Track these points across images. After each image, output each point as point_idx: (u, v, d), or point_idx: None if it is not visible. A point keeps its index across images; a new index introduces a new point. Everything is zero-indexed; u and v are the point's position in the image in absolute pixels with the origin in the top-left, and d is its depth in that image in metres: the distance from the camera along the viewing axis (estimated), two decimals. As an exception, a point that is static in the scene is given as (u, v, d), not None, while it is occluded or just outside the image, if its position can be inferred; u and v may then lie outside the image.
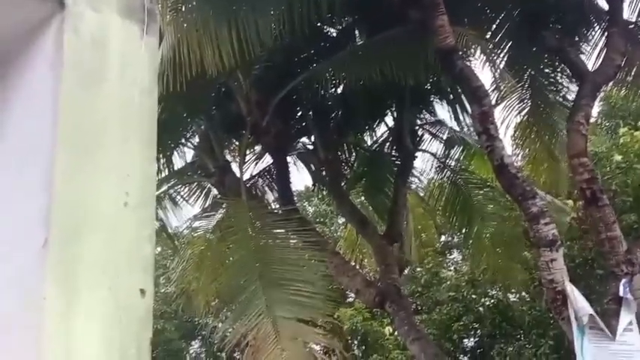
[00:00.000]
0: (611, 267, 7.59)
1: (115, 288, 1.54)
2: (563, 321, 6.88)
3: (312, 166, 10.39)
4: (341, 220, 17.81)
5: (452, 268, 17.80)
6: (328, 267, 8.54)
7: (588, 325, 6.65)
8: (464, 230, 12.47)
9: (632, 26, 8.69)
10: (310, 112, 9.60)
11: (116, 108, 1.73)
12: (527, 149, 10.54)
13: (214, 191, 10.17)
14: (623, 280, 7.26)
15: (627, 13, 8.60)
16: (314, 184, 10.93)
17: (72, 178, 1.57)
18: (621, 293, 7.19)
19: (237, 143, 9.61)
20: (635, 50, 8.83)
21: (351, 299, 16.76)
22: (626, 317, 6.88)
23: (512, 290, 15.94)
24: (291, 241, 8.53)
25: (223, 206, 9.56)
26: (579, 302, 6.79)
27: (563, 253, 11.85)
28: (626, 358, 6.73)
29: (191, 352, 21.50)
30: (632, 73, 9.30)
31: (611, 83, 9.62)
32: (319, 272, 8.22)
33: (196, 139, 9.45)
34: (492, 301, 16.37)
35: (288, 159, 10.09)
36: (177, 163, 9.62)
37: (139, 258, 1.62)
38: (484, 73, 9.08)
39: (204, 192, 10.36)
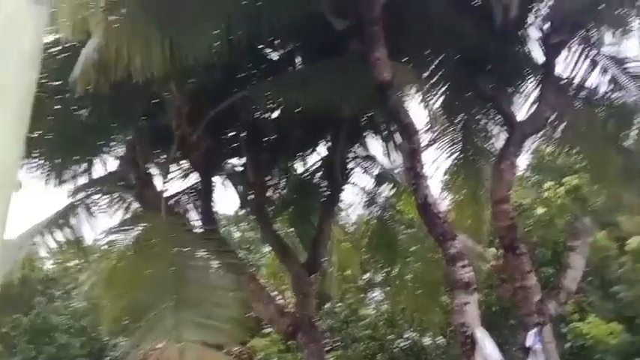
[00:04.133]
0: (523, 316, 7.66)
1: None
2: (472, 366, 6.85)
3: (240, 189, 10.19)
4: (266, 249, 17.58)
5: (372, 306, 17.75)
6: (244, 292, 8.30)
7: (495, 372, 6.64)
8: (387, 269, 12.48)
9: (564, 82, 8.94)
10: (243, 133, 9.43)
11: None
12: (455, 192, 10.66)
13: (136, 204, 9.83)
14: (533, 330, 7.34)
15: (560, 69, 8.87)
16: (240, 207, 10.69)
17: None
18: (529, 343, 7.26)
19: (163, 157, 9.33)
20: (565, 106, 9.10)
21: (268, 329, 16.46)
22: (533, 367, 6.92)
23: (429, 333, 16.01)
24: (209, 262, 8.28)
25: (142, 221, 9.21)
26: (488, 348, 6.79)
27: (480, 300, 11.97)
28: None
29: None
30: (560, 129, 9.57)
31: (540, 137, 9.87)
32: (234, 297, 7.97)
33: (121, 148, 9.12)
34: (408, 342, 16.39)
35: (217, 179, 9.88)
36: (99, 170, 9.25)
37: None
38: (419, 112, 9.17)
39: (124, 204, 9.98)
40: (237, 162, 9.99)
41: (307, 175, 10.68)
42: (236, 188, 10.09)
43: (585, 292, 15.32)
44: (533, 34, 8.74)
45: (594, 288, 15.63)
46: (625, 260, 16.12)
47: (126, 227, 9.58)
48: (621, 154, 9.35)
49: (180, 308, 7.10)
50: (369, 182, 11.18)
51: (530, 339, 7.38)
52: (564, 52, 8.63)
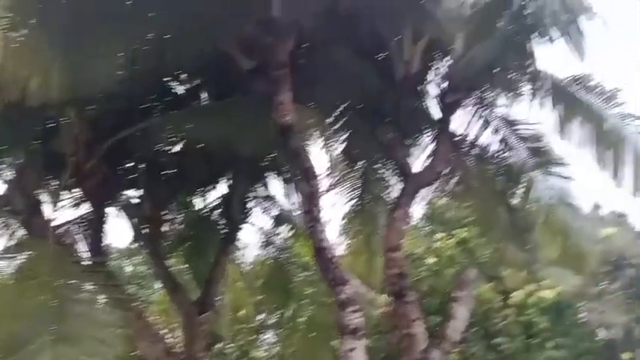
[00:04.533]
0: (407, 364, 7.81)
1: None
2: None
3: (134, 221, 9.92)
4: (158, 285, 17.10)
5: (264, 348, 17.57)
6: (130, 330, 8.01)
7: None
8: (280, 311, 12.44)
9: (458, 139, 9.36)
10: (142, 165, 9.24)
11: None
12: (350, 238, 10.84)
13: (22, 231, 9.36)
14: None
15: (455, 126, 9.29)
16: (133, 240, 10.39)
17: None
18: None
19: (55, 183, 8.97)
20: (458, 161, 9.51)
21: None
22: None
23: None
24: (95, 296, 7.95)
25: (27, 249, 8.76)
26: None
27: (369, 346, 12.07)
28: None
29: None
30: (453, 183, 9.98)
31: (434, 190, 10.25)
32: (119, 334, 7.66)
33: (10, 172, 8.70)
34: (297, 385, 16.27)
35: (111, 210, 9.59)
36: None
37: None
38: (320, 156, 9.33)
39: (8, 230, 9.48)
40: (133, 194, 9.76)
41: (206, 212, 10.57)
42: (130, 221, 9.83)
43: (469, 342, 15.86)
44: (432, 90, 9.16)
45: (478, 338, 16.21)
46: (508, 313, 16.86)
47: (9, 255, 9.09)
48: (508, 211, 9.81)
49: (59, 343, 6.75)
50: (267, 222, 11.22)
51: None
52: (459, 111, 9.06)
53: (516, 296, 17.22)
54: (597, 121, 8.40)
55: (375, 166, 9.90)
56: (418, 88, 9.05)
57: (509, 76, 8.53)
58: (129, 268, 19.02)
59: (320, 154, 8.92)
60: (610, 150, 8.27)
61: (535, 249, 10.14)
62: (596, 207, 22.16)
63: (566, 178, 9.36)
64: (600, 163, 8.35)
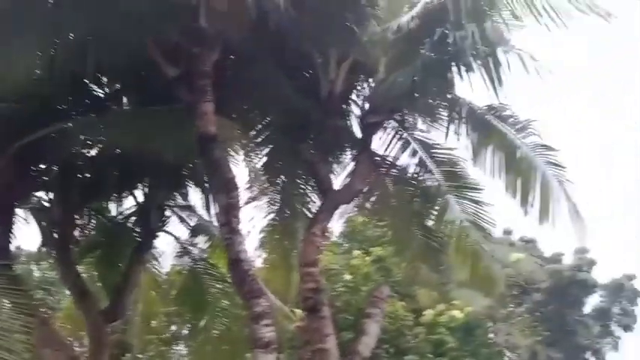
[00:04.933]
0: (318, 379, 7.84)
1: None
2: None
3: (44, 225, 9.59)
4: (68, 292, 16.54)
5: (175, 359, 17.26)
6: (33, 337, 7.70)
7: None
8: (193, 322, 12.24)
9: (378, 159, 9.54)
10: (55, 167, 8.96)
11: None
12: (268, 252, 10.82)
13: None
14: (326, 393, 7.53)
15: (376, 146, 9.47)
16: (43, 244, 10.03)
17: None
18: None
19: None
20: (377, 181, 9.69)
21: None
22: None
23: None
24: (-3, 301, 7.61)
25: None
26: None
27: (283, 360, 11.98)
28: None
29: None
30: (372, 201, 10.16)
31: (353, 208, 10.39)
32: (20, 341, 7.36)
33: None
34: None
35: (20, 212, 9.24)
36: None
37: None
38: (240, 169, 9.32)
39: None
40: (44, 196, 9.44)
41: (120, 219, 10.33)
42: (39, 224, 9.50)
43: (381, 359, 16.08)
44: (355, 110, 9.31)
45: (390, 356, 16.46)
46: (419, 331, 17.22)
47: None
48: (423, 231, 10.06)
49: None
50: (184, 232, 11.07)
51: (322, 401, 7.56)
52: (380, 132, 9.25)
53: (428, 315, 17.61)
54: (509, 149, 8.74)
55: (296, 182, 9.95)
56: (342, 107, 9.18)
57: (428, 102, 8.78)
58: (37, 273, 18.32)
59: (241, 167, 8.92)
60: (519, 178, 8.61)
61: (447, 270, 10.44)
62: (507, 232, 23.00)
63: (479, 202, 9.70)
64: (510, 190, 8.69)
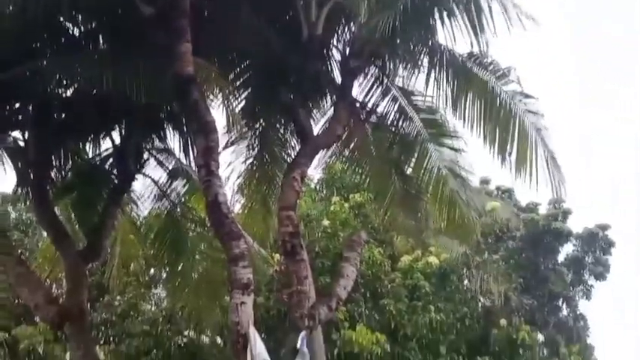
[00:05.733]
0: (295, 319, 7.96)
1: None
2: (240, 364, 6.98)
3: (20, 166, 9.49)
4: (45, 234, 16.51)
5: (153, 302, 17.43)
6: (9, 275, 7.73)
7: (261, 370, 6.83)
8: (171, 265, 12.30)
9: (358, 105, 9.50)
10: (30, 107, 8.80)
11: None
12: (246, 196, 10.84)
13: None
14: (302, 333, 7.66)
15: (356, 92, 9.42)
16: (18, 185, 9.93)
17: None
18: (298, 345, 7.56)
19: None
20: (356, 127, 9.67)
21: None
22: (297, 368, 7.20)
23: (207, 333, 16.07)
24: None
25: None
26: (258, 348, 6.98)
27: (260, 303, 12.24)
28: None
29: None
30: (351, 148, 10.16)
31: (332, 155, 10.40)
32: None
33: None
34: (184, 340, 16.31)
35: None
36: None
37: None
38: (219, 113, 9.21)
39: None
40: (19, 136, 9.31)
41: (98, 160, 10.24)
42: (15, 165, 9.40)
43: (358, 302, 16.39)
44: (336, 55, 9.22)
45: (366, 299, 16.77)
46: (395, 277, 17.51)
47: None
48: (401, 178, 10.11)
49: None
50: (162, 176, 11.01)
51: (300, 341, 7.68)
52: (361, 77, 9.19)
53: (404, 261, 17.88)
54: (489, 96, 8.74)
55: (275, 126, 9.90)
56: (322, 51, 9.07)
57: (409, 47, 8.70)
58: (13, 215, 18.21)
59: (219, 111, 8.82)
60: (498, 125, 8.64)
61: (424, 217, 10.54)
62: (484, 182, 23.19)
63: (457, 150, 9.75)
64: (489, 138, 8.71)
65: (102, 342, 16.37)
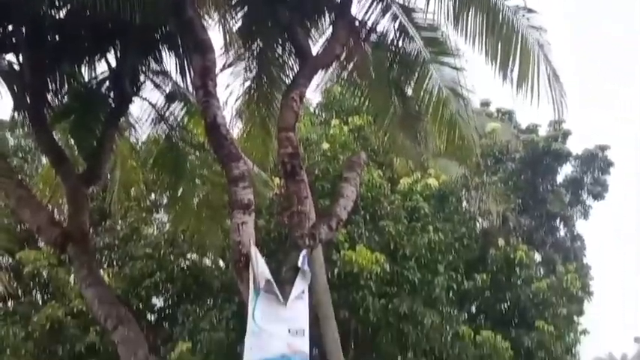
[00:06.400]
0: (296, 239, 8.04)
1: None
2: (242, 283, 7.09)
3: (17, 90, 9.37)
4: (45, 160, 16.51)
5: (155, 225, 17.63)
6: (10, 199, 7.75)
7: (264, 288, 6.93)
8: (172, 189, 12.36)
9: (358, 24, 9.28)
10: (23, 28, 8.60)
11: None
12: (245, 119, 10.77)
13: None
14: (303, 252, 7.75)
15: (356, 10, 9.18)
16: (15, 110, 9.85)
17: None
18: (299, 264, 7.65)
19: None
20: (356, 47, 9.48)
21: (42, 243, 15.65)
22: (299, 286, 7.28)
23: (209, 255, 16.33)
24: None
25: None
26: (260, 266, 7.06)
27: (261, 226, 12.32)
28: (292, 323, 7.13)
29: None
30: (350, 69, 9.99)
31: (332, 78, 10.24)
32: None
33: None
34: (187, 262, 16.59)
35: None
36: None
37: None
38: (215, 34, 9.01)
39: None
40: (14, 60, 9.15)
41: (95, 84, 10.10)
42: (11, 89, 9.28)
43: (357, 223, 16.57)
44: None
45: (366, 221, 16.94)
46: (395, 198, 17.64)
47: None
48: (401, 100, 9.99)
49: None
50: (160, 99, 10.90)
51: (301, 259, 7.78)
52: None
53: (403, 183, 17.98)
54: (491, 11, 8.52)
55: (273, 46, 9.70)
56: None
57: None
58: (12, 141, 18.16)
59: (215, 31, 8.63)
60: (500, 41, 8.47)
61: (424, 139, 10.49)
62: (485, 103, 23.03)
63: (458, 69, 9.58)
64: (490, 55, 8.55)
65: (105, 265, 16.66)
